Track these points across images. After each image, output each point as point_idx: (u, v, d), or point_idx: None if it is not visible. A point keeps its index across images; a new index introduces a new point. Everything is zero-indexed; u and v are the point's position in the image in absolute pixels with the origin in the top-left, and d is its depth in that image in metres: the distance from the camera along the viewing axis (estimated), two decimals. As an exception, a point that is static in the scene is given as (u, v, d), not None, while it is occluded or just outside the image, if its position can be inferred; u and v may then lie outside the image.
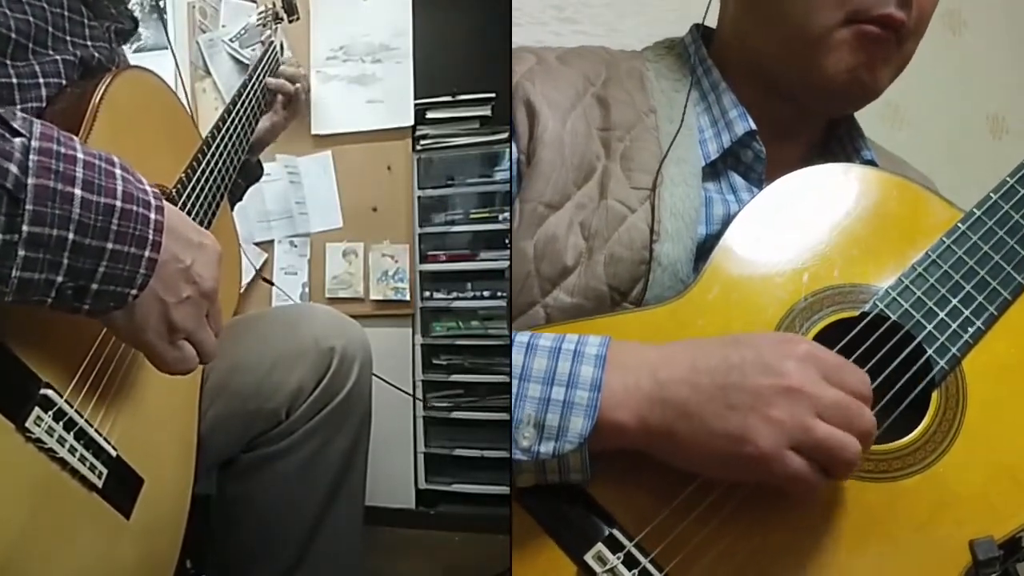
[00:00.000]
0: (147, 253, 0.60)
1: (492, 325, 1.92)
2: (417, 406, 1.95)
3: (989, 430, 0.64)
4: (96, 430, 0.67)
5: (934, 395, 0.65)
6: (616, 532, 0.62)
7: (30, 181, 0.52)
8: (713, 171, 0.79)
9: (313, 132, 2.00)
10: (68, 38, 0.76)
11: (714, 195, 0.77)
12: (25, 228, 0.52)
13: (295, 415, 0.98)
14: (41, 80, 0.71)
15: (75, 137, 0.57)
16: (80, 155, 0.56)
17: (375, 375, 1.09)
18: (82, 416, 0.65)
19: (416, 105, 1.94)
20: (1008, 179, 0.70)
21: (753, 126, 0.77)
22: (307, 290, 2.02)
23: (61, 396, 0.63)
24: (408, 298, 1.95)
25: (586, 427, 0.59)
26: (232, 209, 1.20)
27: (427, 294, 1.96)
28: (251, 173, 1.27)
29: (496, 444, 1.88)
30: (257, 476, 0.99)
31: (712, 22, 0.87)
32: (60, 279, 0.55)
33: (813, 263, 0.69)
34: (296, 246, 2.03)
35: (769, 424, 0.56)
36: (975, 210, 0.70)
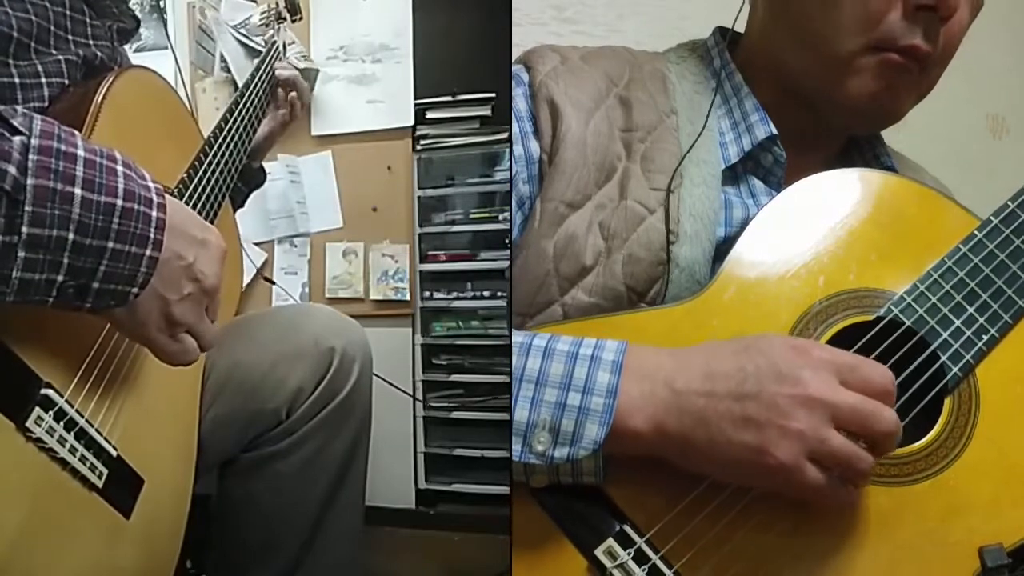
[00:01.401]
0: (148, 252, 0.60)
1: (492, 325, 1.92)
2: (417, 406, 1.95)
3: (1001, 437, 0.63)
4: (97, 430, 0.67)
5: (947, 401, 0.65)
6: (627, 528, 0.62)
7: (29, 182, 0.52)
8: (733, 174, 0.79)
9: (313, 132, 2.00)
10: (70, 37, 0.76)
11: (733, 198, 0.77)
12: (25, 230, 0.52)
13: (295, 415, 0.98)
14: (44, 80, 0.71)
15: (77, 133, 0.57)
16: (81, 152, 0.55)
17: (375, 374, 1.09)
18: (83, 416, 0.65)
19: (416, 105, 1.94)
20: None
21: (774, 130, 0.77)
22: (307, 290, 2.02)
23: (62, 396, 0.63)
24: (408, 298, 1.95)
25: (601, 434, 0.59)
26: (234, 214, 1.20)
27: (427, 294, 1.96)
28: (253, 179, 1.26)
29: (496, 444, 1.88)
30: (257, 476, 0.99)
31: (728, 23, 0.86)
32: (61, 279, 0.55)
33: (829, 266, 0.69)
34: (296, 246, 2.03)
35: (787, 436, 0.56)
36: (992, 218, 0.69)
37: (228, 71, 2.03)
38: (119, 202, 0.57)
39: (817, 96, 0.76)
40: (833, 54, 0.73)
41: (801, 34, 0.76)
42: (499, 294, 1.90)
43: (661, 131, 0.77)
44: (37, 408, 0.60)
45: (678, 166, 0.74)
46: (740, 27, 0.86)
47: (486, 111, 1.89)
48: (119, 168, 0.58)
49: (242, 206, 1.28)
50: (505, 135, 1.78)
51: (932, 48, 0.71)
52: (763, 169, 0.79)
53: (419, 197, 1.97)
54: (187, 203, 0.85)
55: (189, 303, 0.66)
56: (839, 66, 0.73)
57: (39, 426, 0.60)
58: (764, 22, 0.82)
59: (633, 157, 0.75)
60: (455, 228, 1.97)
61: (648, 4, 1.39)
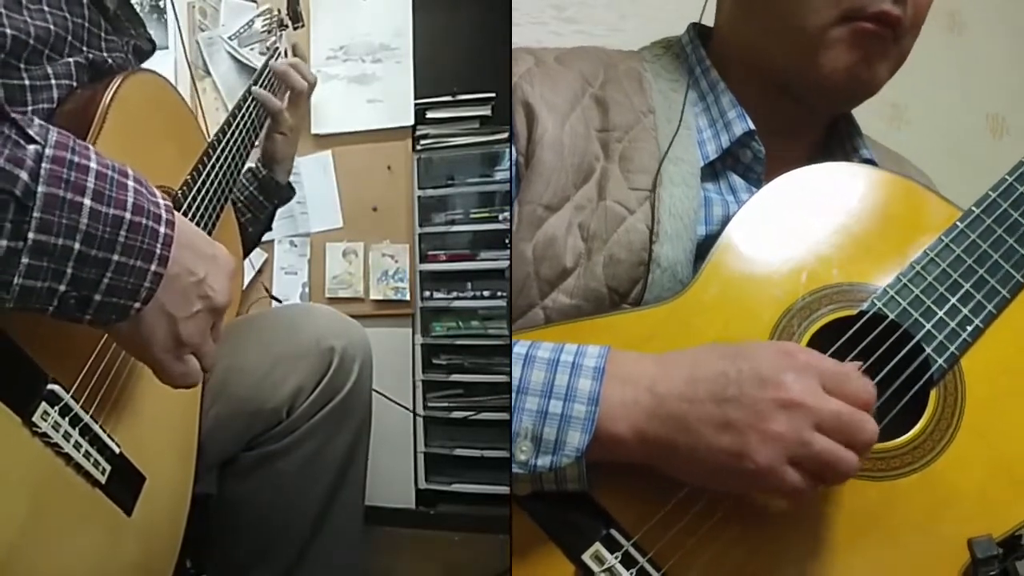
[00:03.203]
0: (153, 267, 0.59)
1: (492, 325, 1.92)
2: (417, 406, 1.95)
3: (987, 428, 0.64)
4: (101, 426, 0.68)
5: (932, 393, 0.65)
6: (614, 532, 0.62)
7: (40, 189, 0.52)
8: (712, 171, 0.79)
9: (313, 132, 2.00)
10: (84, 48, 0.77)
11: (713, 195, 0.77)
12: (31, 236, 0.52)
13: (295, 415, 0.98)
14: (53, 82, 0.72)
15: (91, 147, 0.57)
16: (93, 165, 0.56)
17: (374, 390, 1.09)
18: (87, 412, 0.66)
19: (416, 105, 1.94)
20: (1007, 177, 0.70)
21: (752, 126, 0.77)
22: (307, 290, 2.02)
23: (67, 392, 0.63)
24: (408, 298, 1.95)
25: (583, 441, 0.58)
26: (259, 239, 1.21)
27: (427, 294, 1.96)
28: (281, 195, 1.25)
29: (496, 444, 1.88)
30: (257, 475, 0.99)
31: (709, 20, 0.87)
32: (63, 288, 0.55)
33: (811, 262, 0.69)
34: (296, 246, 2.03)
35: (767, 440, 0.55)
36: (973, 208, 0.70)
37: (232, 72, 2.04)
38: (128, 215, 0.57)
39: (792, 78, 0.76)
40: (804, 30, 0.72)
41: (769, 15, 0.76)
42: (499, 294, 1.90)
43: (638, 131, 0.77)
44: (43, 403, 0.60)
45: (660, 166, 0.74)
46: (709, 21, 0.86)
47: (486, 111, 1.89)
48: (130, 183, 0.58)
49: (269, 228, 1.27)
50: (505, 135, 1.78)
51: (902, 13, 0.71)
52: (742, 165, 0.79)
53: (419, 197, 1.97)
54: (191, 204, 0.86)
55: (197, 322, 0.65)
56: (811, 42, 0.72)
57: (45, 421, 0.60)
58: (732, 11, 0.82)
59: (611, 157, 0.75)
60: (455, 228, 1.97)
61: (648, 4, 1.40)
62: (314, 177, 2.01)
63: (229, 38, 2.03)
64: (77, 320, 0.58)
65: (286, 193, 1.27)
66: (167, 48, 1.95)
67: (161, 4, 2.01)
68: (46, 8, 0.71)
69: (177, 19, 1.98)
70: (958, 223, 0.69)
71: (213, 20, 2.07)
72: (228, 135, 1.01)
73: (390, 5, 1.96)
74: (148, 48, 0.91)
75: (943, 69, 1.48)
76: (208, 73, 2.05)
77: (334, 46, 2.00)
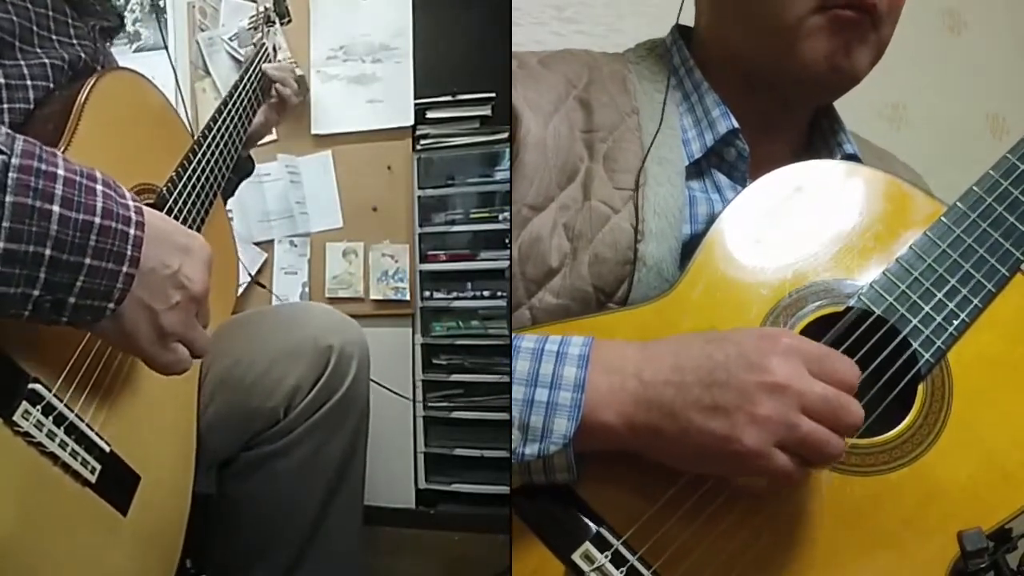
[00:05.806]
0: (125, 268, 0.61)
1: (492, 325, 1.92)
2: (417, 406, 1.95)
3: (975, 422, 0.64)
4: (87, 425, 0.68)
5: (920, 388, 0.65)
6: (603, 531, 0.62)
7: (8, 199, 0.53)
8: (697, 170, 0.79)
9: (313, 132, 2.01)
10: (54, 37, 0.77)
11: (698, 194, 0.77)
12: (1, 244, 0.53)
13: (293, 413, 0.98)
14: (29, 82, 0.73)
15: (59, 153, 0.58)
16: (61, 172, 0.57)
17: (373, 380, 1.09)
18: (72, 411, 0.66)
19: (416, 105, 1.94)
20: (991, 172, 0.70)
21: (736, 124, 0.77)
22: (307, 290, 2.02)
23: (50, 390, 0.63)
24: (408, 298, 1.95)
25: (570, 428, 0.59)
26: (224, 205, 1.20)
27: (427, 294, 1.96)
28: (241, 168, 1.25)
29: (496, 444, 1.88)
30: (256, 475, 0.99)
31: (688, 21, 0.87)
32: (37, 293, 0.56)
33: (797, 259, 0.70)
34: (296, 246, 2.03)
35: (755, 423, 0.56)
36: (959, 204, 0.70)
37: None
38: (97, 220, 0.58)
39: (774, 72, 0.77)
40: (782, 22, 0.73)
41: (746, 11, 0.76)
42: (499, 294, 1.90)
43: (622, 131, 0.77)
44: (24, 402, 0.61)
45: (642, 165, 0.75)
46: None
47: (486, 111, 1.89)
48: (98, 187, 0.59)
49: (232, 195, 1.27)
50: (505, 135, 1.78)
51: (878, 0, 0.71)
52: (727, 164, 0.80)
53: (419, 197, 1.97)
54: (176, 200, 0.86)
55: (178, 312, 0.66)
56: (789, 33, 0.73)
57: (27, 420, 0.60)
58: (710, 10, 0.83)
59: (595, 158, 0.76)
60: (455, 228, 1.97)
61: (648, 4, 1.39)
62: (314, 177, 2.01)
63: (229, 38, 2.03)
64: (54, 322, 0.59)
65: (250, 166, 1.29)
66: (167, 48, 1.94)
67: (161, 4, 2.01)
68: (7, 0, 0.72)
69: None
70: (943, 218, 0.69)
71: (213, 20, 2.07)
72: (216, 129, 1.01)
73: (390, 5, 1.96)
74: (116, 24, 0.92)
75: (943, 69, 1.48)
76: (208, 73, 2.05)
77: (334, 46, 2.00)
